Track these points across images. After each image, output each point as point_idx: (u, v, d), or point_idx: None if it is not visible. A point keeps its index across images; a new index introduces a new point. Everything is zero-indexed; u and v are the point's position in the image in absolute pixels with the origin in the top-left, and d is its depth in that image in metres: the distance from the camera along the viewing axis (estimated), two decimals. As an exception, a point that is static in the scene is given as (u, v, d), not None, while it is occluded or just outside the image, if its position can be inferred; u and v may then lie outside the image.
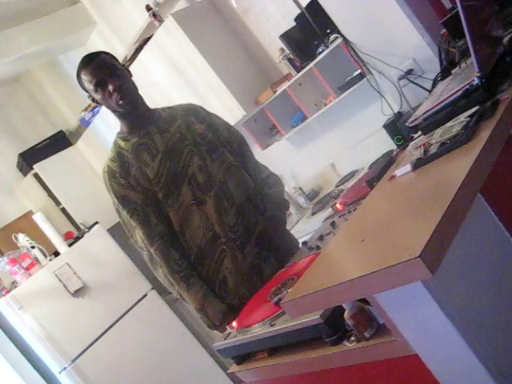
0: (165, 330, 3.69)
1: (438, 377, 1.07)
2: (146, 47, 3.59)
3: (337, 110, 3.06)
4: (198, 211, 1.87)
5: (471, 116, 1.28)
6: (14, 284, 3.44)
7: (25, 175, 4.71)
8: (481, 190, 1.10)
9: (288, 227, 2.23)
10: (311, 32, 2.85)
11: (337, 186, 3.24)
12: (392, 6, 2.23)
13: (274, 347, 1.43)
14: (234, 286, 1.88)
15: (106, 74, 1.80)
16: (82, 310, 3.45)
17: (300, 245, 1.87)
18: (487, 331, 1.04)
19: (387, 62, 2.39)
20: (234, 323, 1.55)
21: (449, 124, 1.34)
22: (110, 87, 1.79)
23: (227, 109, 3.26)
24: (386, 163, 1.58)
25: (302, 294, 1.07)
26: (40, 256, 3.53)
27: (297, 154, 3.66)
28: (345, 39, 2.58)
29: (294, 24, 2.98)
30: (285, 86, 3.08)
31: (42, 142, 4.68)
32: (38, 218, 3.66)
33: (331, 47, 2.73)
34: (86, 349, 3.37)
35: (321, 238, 1.64)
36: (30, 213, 4.46)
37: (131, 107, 1.85)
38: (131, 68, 3.57)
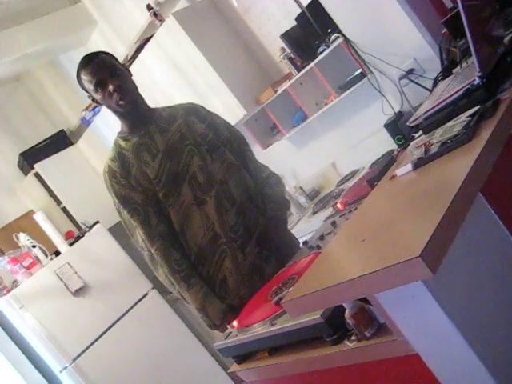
0: (165, 330, 3.70)
1: (438, 376, 1.07)
2: (146, 47, 3.59)
3: (338, 109, 3.06)
4: (198, 211, 1.87)
5: (472, 116, 1.28)
6: (15, 283, 3.44)
7: (26, 175, 4.71)
8: (481, 189, 1.10)
9: (289, 227, 2.23)
10: (312, 31, 2.85)
11: (337, 186, 3.24)
12: (393, 5, 2.23)
13: (275, 347, 1.43)
14: (234, 286, 1.88)
15: (106, 74, 1.79)
16: (82, 310, 3.45)
17: (301, 244, 1.87)
18: (487, 330, 1.04)
19: (388, 62, 2.38)
20: (235, 323, 1.56)
21: (450, 123, 1.34)
22: (110, 87, 1.79)
23: (228, 108, 3.26)
24: (386, 163, 1.58)
25: (303, 294, 1.07)
26: (41, 255, 3.53)
27: (297, 153, 3.66)
28: (346, 39, 2.58)
29: (294, 23, 2.98)
30: (286, 85, 3.07)
31: (43, 141, 4.68)
32: (39, 218, 3.66)
33: (332, 47, 2.73)
34: (87, 348, 3.37)
35: (321, 237, 1.64)
36: (31, 212, 4.47)
37: (131, 107, 1.85)
38: (132, 67, 3.59)
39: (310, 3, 2.77)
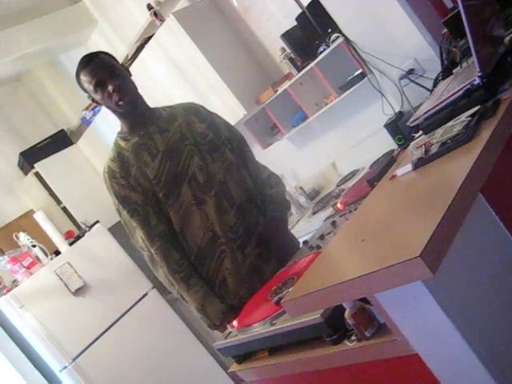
0: (165, 329, 3.70)
1: (438, 376, 1.07)
2: (147, 46, 3.59)
3: (338, 109, 3.06)
4: (198, 211, 1.86)
5: (472, 116, 1.28)
6: (15, 283, 3.45)
7: (26, 174, 4.71)
8: (481, 189, 1.10)
9: (289, 227, 2.23)
10: (312, 31, 2.85)
11: (338, 186, 3.24)
12: (393, 5, 2.23)
13: (275, 346, 1.43)
14: (233, 286, 1.88)
15: (106, 75, 1.79)
16: (82, 309, 3.45)
17: (301, 244, 1.87)
18: (487, 331, 1.04)
19: (388, 62, 2.38)
20: (235, 322, 1.56)
21: (450, 124, 1.34)
22: (110, 87, 1.79)
23: (228, 108, 3.26)
24: (386, 163, 1.58)
25: (303, 294, 1.07)
26: (41, 255, 3.54)
27: (298, 153, 3.66)
28: (346, 39, 2.58)
29: (295, 23, 2.98)
30: (286, 85, 3.07)
31: (43, 140, 4.69)
32: (39, 217, 3.66)
33: (332, 47, 2.73)
34: (87, 348, 3.37)
35: (321, 237, 1.64)
36: (31, 212, 4.47)
37: (131, 107, 1.85)
38: (132, 67, 3.59)
39: (310, 3, 2.77)
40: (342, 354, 1.20)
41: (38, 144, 4.66)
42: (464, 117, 1.31)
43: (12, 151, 4.71)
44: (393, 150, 2.35)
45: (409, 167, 1.32)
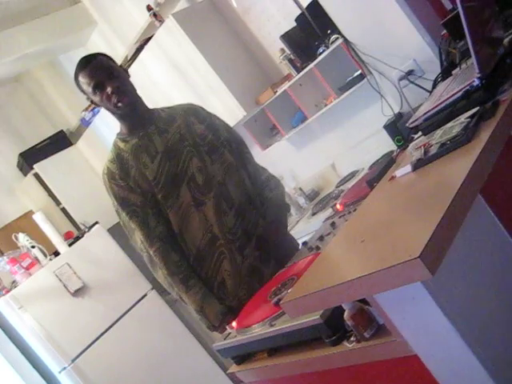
0: (164, 330, 3.69)
1: (437, 377, 1.07)
2: (146, 47, 3.59)
3: (337, 110, 3.06)
4: (197, 213, 1.86)
5: (471, 117, 1.29)
6: (14, 284, 3.44)
7: (25, 175, 4.71)
8: (481, 190, 1.10)
9: (288, 228, 2.23)
10: (312, 32, 2.85)
11: (337, 187, 3.24)
12: (392, 6, 2.23)
13: (274, 347, 1.43)
14: (232, 287, 1.88)
15: (104, 76, 1.79)
16: (81, 310, 3.45)
17: (300, 245, 1.87)
18: (487, 331, 1.04)
19: (388, 63, 2.39)
20: (234, 323, 1.55)
21: (449, 125, 1.34)
22: (109, 89, 1.78)
23: (227, 109, 3.26)
24: (386, 164, 1.58)
25: (302, 295, 1.07)
26: (40, 256, 3.53)
27: (297, 154, 3.66)
28: (345, 40, 2.58)
29: (294, 24, 2.98)
30: (285, 86, 3.08)
31: (43, 141, 4.68)
32: (38, 218, 3.66)
33: (332, 48, 2.73)
34: (86, 349, 3.37)
35: (321, 238, 1.64)
36: (30, 212, 4.46)
37: (130, 109, 1.85)
38: (132, 68, 3.59)
39: (309, 4, 2.77)
40: (341, 355, 1.20)
41: (37, 145, 4.65)
42: (463, 118, 1.31)
43: (11, 152, 4.71)
44: (392, 151, 2.35)
45: (408, 168, 1.32)
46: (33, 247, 3.52)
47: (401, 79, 2.38)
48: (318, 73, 2.90)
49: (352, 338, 1.18)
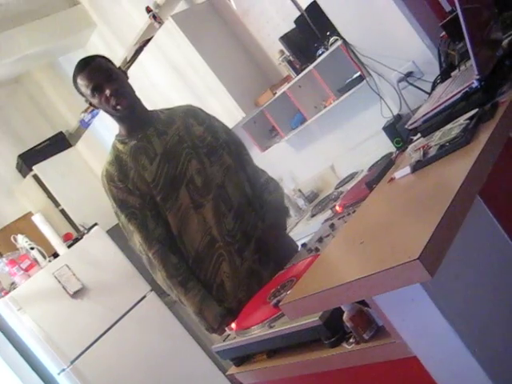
0: (164, 332, 3.69)
1: (436, 379, 1.07)
2: (145, 49, 3.59)
3: (336, 112, 3.06)
4: (196, 215, 1.86)
5: (470, 118, 1.29)
6: (13, 285, 3.44)
7: (24, 176, 4.70)
8: (480, 192, 1.10)
9: (287, 229, 2.23)
10: (311, 34, 2.85)
11: (336, 188, 3.24)
12: (392, 8, 2.23)
13: (273, 349, 1.43)
14: (231, 289, 1.88)
15: (103, 79, 1.78)
16: (80, 312, 3.44)
17: (299, 247, 1.87)
18: (486, 333, 1.04)
19: (387, 65, 2.39)
20: (233, 325, 1.55)
21: (448, 126, 1.34)
22: (107, 91, 1.78)
23: (227, 110, 3.26)
24: (385, 165, 1.58)
25: (301, 296, 1.07)
26: (39, 257, 3.53)
27: (296, 156, 3.66)
28: (344, 41, 2.58)
29: (293, 26, 2.99)
30: (284, 87, 3.08)
31: (42, 143, 4.68)
32: (38, 220, 3.65)
33: (331, 49, 2.73)
34: (85, 350, 3.36)
35: (320, 239, 1.64)
36: (30, 214, 4.46)
37: (129, 111, 1.85)
38: (131, 69, 3.59)
39: (308, 6, 2.78)
40: (340, 357, 1.20)
41: (36, 146, 4.65)
42: (462, 120, 1.31)
43: (10, 153, 4.71)
44: (391, 153, 2.35)
45: (407, 170, 1.32)
46: (32, 249, 3.52)
47: (400, 81, 2.38)
48: (317, 74, 2.91)
49: (351, 340, 1.18)
